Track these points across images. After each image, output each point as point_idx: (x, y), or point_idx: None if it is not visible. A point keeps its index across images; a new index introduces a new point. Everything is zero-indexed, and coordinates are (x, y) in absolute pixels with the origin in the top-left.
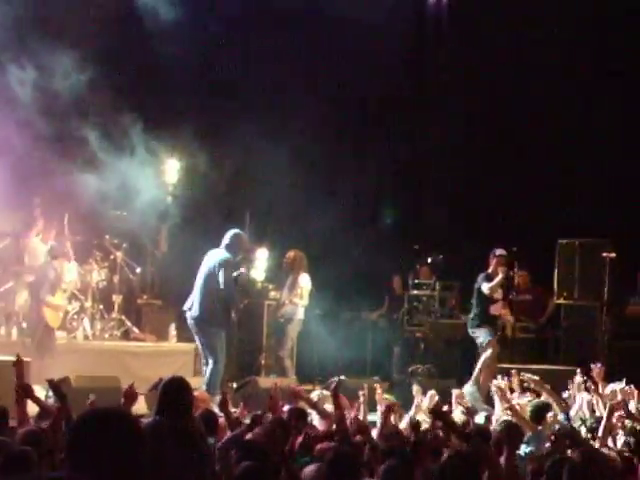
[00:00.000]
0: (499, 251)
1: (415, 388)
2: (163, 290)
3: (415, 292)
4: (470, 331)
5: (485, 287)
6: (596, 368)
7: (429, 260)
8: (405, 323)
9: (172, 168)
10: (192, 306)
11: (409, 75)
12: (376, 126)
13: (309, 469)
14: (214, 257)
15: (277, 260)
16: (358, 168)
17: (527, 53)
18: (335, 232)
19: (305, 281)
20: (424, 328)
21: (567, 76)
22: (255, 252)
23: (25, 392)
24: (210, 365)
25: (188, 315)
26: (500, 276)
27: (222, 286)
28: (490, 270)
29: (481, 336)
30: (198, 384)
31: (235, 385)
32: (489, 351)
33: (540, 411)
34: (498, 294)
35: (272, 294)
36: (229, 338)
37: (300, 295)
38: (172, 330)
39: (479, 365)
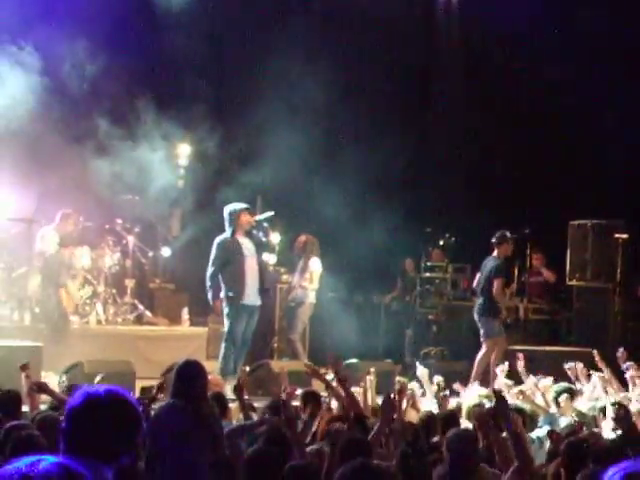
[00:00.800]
0: (508, 234)
1: (420, 371)
2: (176, 274)
3: (427, 274)
4: (475, 317)
5: (496, 285)
6: (619, 353)
7: (441, 242)
8: (417, 306)
9: (184, 152)
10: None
11: (420, 56)
12: (389, 110)
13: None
14: None
15: (289, 243)
16: (370, 151)
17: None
18: (348, 215)
19: (316, 265)
20: (436, 310)
21: (583, 56)
22: (269, 235)
23: (40, 389)
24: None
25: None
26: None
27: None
28: (498, 254)
29: (483, 328)
30: (211, 368)
31: (248, 368)
32: (484, 350)
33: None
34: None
35: (284, 277)
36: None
37: (310, 279)
38: (185, 314)
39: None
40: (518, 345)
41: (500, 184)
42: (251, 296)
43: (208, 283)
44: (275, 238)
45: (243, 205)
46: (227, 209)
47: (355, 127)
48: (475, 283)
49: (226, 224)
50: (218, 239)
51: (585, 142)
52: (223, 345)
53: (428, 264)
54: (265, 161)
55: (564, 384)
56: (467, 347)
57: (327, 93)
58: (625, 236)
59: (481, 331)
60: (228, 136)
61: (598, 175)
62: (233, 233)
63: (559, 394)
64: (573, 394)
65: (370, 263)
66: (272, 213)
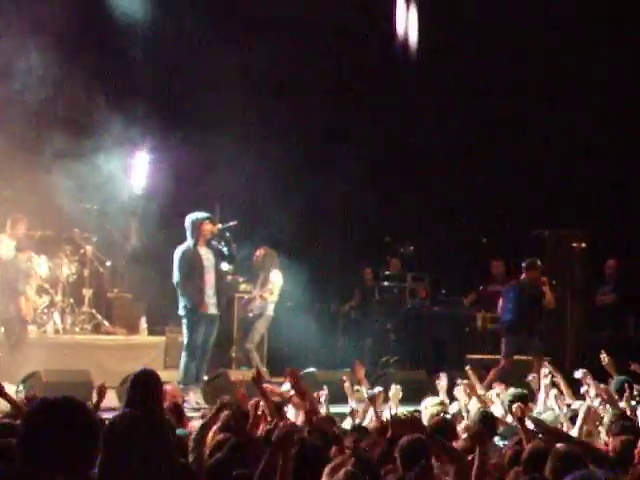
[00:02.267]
0: (538, 261)
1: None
2: (133, 283)
3: (386, 284)
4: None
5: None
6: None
7: (400, 252)
8: (376, 315)
9: (142, 160)
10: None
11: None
12: (346, 122)
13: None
14: None
15: (246, 252)
16: (329, 161)
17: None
18: (306, 224)
19: (277, 277)
20: (395, 319)
21: (537, 67)
22: (232, 244)
23: None
24: None
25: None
26: None
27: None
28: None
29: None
30: (169, 377)
31: (206, 378)
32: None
33: None
34: None
35: (242, 287)
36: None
37: (271, 291)
38: (143, 323)
39: None
40: (476, 354)
41: (459, 194)
42: (210, 306)
43: (180, 291)
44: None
45: (205, 214)
46: (189, 218)
47: (313, 138)
48: (502, 309)
49: (188, 233)
50: (180, 249)
51: (545, 152)
52: (183, 355)
53: (387, 273)
54: (223, 170)
55: (518, 390)
56: (425, 356)
57: (283, 103)
58: (583, 245)
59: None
60: (187, 144)
61: (557, 185)
62: (195, 243)
63: (512, 401)
64: (526, 401)
65: (329, 272)
66: (235, 222)
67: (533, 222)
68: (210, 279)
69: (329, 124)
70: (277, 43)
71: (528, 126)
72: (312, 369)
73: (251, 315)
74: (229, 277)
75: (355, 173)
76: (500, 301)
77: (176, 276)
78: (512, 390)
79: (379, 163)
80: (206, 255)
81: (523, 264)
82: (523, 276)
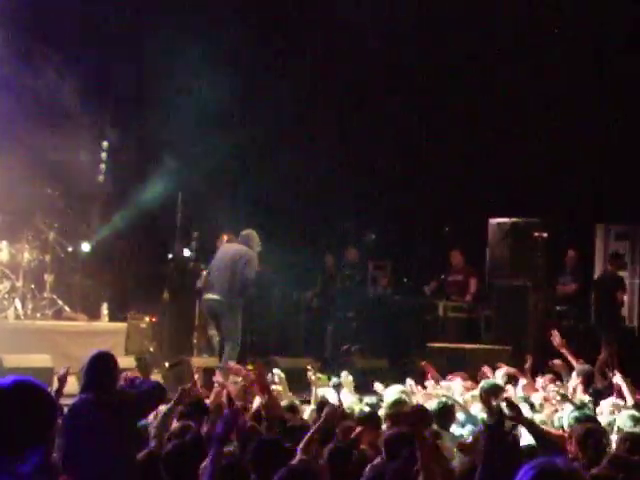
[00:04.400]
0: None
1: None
2: (95, 269)
3: (348, 272)
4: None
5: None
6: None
7: (362, 239)
8: (338, 302)
9: (104, 147)
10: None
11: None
12: (306, 110)
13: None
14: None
15: (209, 240)
16: (292, 150)
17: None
18: (268, 211)
19: None
20: (357, 307)
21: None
22: (191, 234)
23: None
24: None
25: None
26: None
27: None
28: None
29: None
30: (130, 363)
31: (167, 365)
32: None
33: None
34: None
35: (204, 274)
36: None
37: None
38: (104, 309)
39: None
40: (437, 343)
41: (419, 183)
42: None
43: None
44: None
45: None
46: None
47: (275, 128)
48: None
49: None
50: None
51: (506, 140)
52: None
53: (351, 260)
54: (186, 159)
55: (490, 381)
56: (386, 344)
57: (242, 92)
58: (544, 235)
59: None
60: (148, 132)
61: (518, 174)
62: None
63: (486, 392)
64: (498, 393)
65: (290, 260)
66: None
67: (495, 211)
68: None
69: (289, 111)
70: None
71: (490, 115)
72: (274, 356)
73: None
74: (191, 264)
75: (318, 160)
76: None
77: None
78: (487, 381)
79: (340, 152)
80: None
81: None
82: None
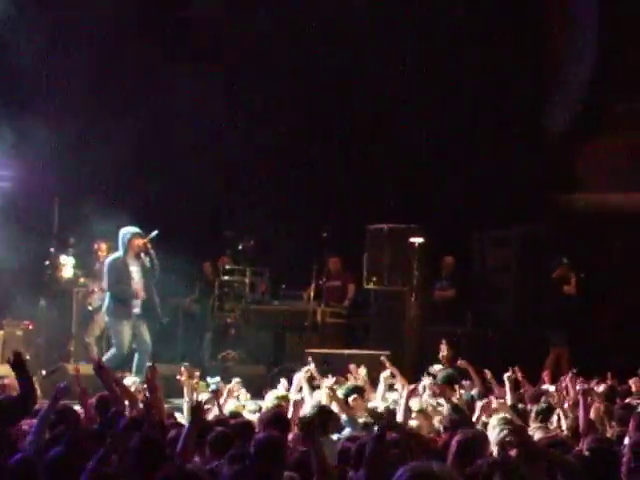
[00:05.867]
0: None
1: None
2: None
3: (226, 278)
4: None
5: None
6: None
7: (240, 247)
8: (216, 309)
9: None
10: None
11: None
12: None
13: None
14: None
15: (86, 247)
16: (170, 155)
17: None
18: (147, 217)
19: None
20: (235, 314)
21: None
22: (68, 240)
23: None
24: None
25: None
26: None
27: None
28: None
29: None
30: (6, 371)
31: (44, 372)
32: None
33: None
34: None
35: (81, 281)
36: None
37: None
38: None
39: None
40: (314, 348)
41: (298, 188)
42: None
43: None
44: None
45: (135, 230)
46: (121, 232)
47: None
48: None
49: (119, 245)
50: (110, 258)
51: (384, 147)
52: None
53: (227, 267)
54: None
55: (351, 383)
56: (264, 350)
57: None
58: (421, 240)
59: None
60: (22, 136)
61: (394, 179)
62: (124, 255)
63: (348, 394)
64: (362, 393)
65: (168, 266)
66: (156, 232)
67: (371, 218)
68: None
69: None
70: None
71: (367, 122)
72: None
73: (91, 309)
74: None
75: (198, 166)
76: None
77: (105, 282)
78: (348, 384)
79: (221, 157)
80: (134, 267)
81: None
82: None
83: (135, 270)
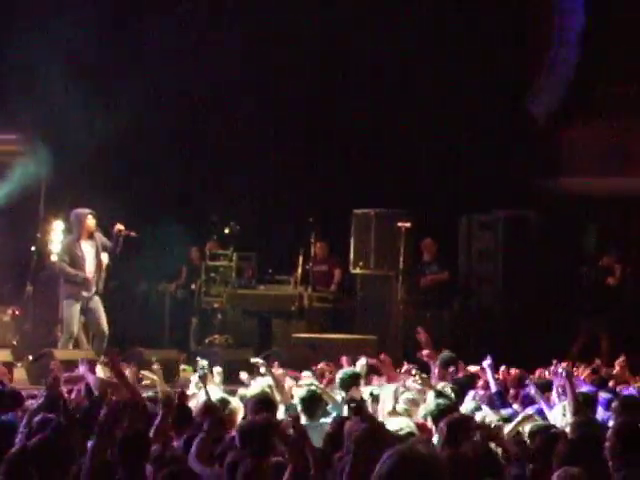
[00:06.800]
0: None
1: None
2: None
3: (212, 263)
4: None
5: None
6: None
7: (227, 230)
8: (202, 294)
9: None
10: None
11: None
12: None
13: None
14: None
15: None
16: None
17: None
18: (132, 203)
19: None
20: (221, 299)
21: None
22: (52, 224)
23: None
24: None
25: None
26: None
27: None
28: None
29: None
30: None
31: (31, 357)
32: None
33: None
34: None
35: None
36: None
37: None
38: None
39: None
40: (301, 333)
41: (284, 173)
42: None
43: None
44: (59, 226)
45: (87, 210)
46: (74, 213)
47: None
48: None
49: (73, 227)
50: (64, 240)
51: (368, 130)
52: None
53: (213, 252)
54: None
55: (349, 370)
56: (251, 335)
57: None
58: (408, 225)
59: None
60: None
61: (381, 164)
62: (78, 237)
63: (344, 380)
64: (357, 381)
65: (155, 251)
66: (135, 234)
67: (357, 202)
68: (89, 268)
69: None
70: None
71: (352, 107)
72: (139, 348)
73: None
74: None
75: (184, 151)
76: None
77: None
78: (345, 370)
79: (207, 142)
80: (86, 247)
81: None
82: None
83: (88, 251)
